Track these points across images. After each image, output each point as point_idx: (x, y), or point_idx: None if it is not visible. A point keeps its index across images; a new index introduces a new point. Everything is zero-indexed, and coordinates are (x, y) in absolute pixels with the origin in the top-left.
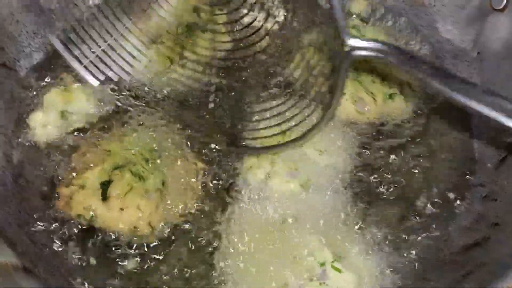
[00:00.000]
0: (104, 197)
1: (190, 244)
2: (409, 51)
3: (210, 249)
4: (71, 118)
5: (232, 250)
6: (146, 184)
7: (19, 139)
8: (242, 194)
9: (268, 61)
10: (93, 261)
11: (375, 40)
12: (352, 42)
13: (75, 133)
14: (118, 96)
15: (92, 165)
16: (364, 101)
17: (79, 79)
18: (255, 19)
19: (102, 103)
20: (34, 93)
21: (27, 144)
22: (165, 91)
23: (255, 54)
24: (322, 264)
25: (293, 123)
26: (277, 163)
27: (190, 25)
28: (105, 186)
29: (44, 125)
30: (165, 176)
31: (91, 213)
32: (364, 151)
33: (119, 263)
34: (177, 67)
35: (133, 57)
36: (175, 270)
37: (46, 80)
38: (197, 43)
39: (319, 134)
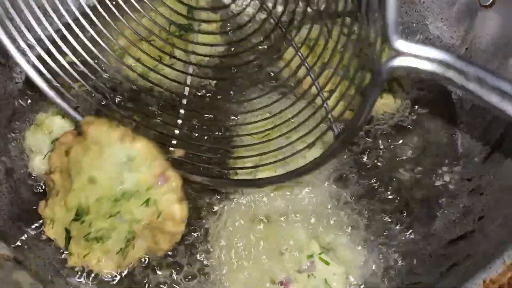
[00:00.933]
0: (67, 249)
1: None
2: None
3: (197, 244)
4: None
5: (220, 245)
6: (106, 245)
7: (11, 135)
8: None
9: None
10: None
11: (435, 46)
12: (402, 45)
13: None
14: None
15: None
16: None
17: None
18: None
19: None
20: (28, 89)
21: (18, 142)
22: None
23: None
24: (310, 256)
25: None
26: (265, 156)
27: (183, 25)
28: (68, 234)
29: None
30: (135, 224)
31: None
32: (352, 146)
33: None
34: (166, 67)
35: (122, 55)
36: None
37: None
38: (188, 43)
39: (307, 128)
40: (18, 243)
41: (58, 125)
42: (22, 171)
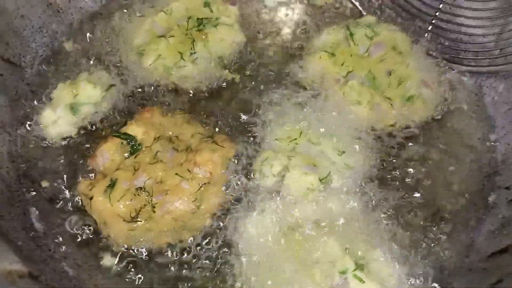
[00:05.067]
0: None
1: (202, 253)
2: None
3: (223, 254)
4: (81, 111)
5: (247, 254)
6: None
7: (25, 138)
8: (257, 192)
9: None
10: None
11: None
12: None
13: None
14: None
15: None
16: (380, 107)
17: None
18: None
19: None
20: (40, 90)
21: (33, 143)
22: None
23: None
24: (343, 273)
25: None
26: (294, 158)
27: (201, 19)
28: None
29: (54, 121)
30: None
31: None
32: (384, 154)
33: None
34: (188, 62)
35: (141, 53)
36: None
37: (51, 76)
38: (208, 37)
39: (337, 136)
40: (33, 256)
41: (86, 92)
42: (36, 175)
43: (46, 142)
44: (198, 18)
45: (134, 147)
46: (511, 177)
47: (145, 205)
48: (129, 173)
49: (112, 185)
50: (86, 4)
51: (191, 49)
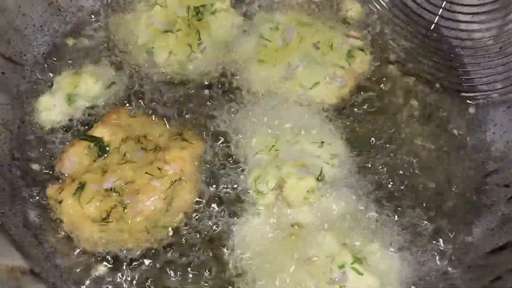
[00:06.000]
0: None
1: (200, 250)
2: None
3: (223, 251)
4: (78, 103)
5: (246, 252)
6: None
7: (27, 135)
8: (256, 203)
9: None
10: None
11: None
12: None
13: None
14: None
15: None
16: (336, 75)
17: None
18: None
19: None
20: (42, 88)
21: (35, 140)
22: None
23: None
24: (342, 266)
25: None
26: (283, 166)
27: (197, 7)
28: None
29: (49, 108)
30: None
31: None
32: (381, 151)
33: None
34: (198, 53)
35: (150, 51)
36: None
37: (53, 75)
38: (210, 25)
39: (309, 128)
40: (35, 252)
41: (86, 86)
42: (37, 172)
43: (47, 138)
44: (195, 7)
45: (101, 149)
46: (510, 175)
47: (115, 205)
48: (98, 175)
49: (81, 188)
50: (87, 3)
51: (198, 39)
